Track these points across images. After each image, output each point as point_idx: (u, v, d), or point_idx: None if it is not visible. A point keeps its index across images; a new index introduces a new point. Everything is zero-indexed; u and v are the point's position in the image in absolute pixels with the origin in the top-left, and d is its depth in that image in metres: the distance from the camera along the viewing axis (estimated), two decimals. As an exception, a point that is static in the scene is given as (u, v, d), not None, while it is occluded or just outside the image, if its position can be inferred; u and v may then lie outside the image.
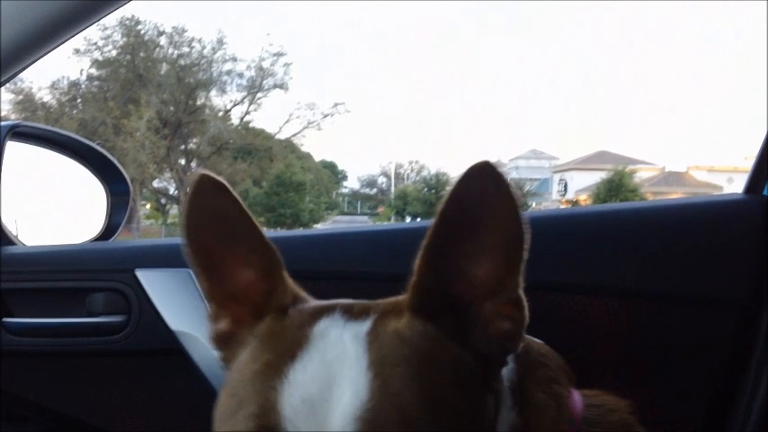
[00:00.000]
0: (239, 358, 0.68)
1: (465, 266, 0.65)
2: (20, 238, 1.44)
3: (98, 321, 1.28)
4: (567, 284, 1.17)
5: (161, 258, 1.25)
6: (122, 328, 1.26)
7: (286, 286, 0.71)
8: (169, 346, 1.21)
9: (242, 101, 26.71)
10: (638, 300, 1.20)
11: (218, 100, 27.42)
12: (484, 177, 0.60)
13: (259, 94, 27.08)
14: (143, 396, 1.28)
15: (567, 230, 1.26)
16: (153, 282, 1.25)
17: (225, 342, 0.73)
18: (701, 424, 1.18)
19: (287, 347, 0.63)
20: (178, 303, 1.20)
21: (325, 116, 27.79)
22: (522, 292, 0.65)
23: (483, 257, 0.64)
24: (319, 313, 0.67)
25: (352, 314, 0.66)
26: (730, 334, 1.17)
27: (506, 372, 0.70)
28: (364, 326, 0.65)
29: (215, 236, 0.71)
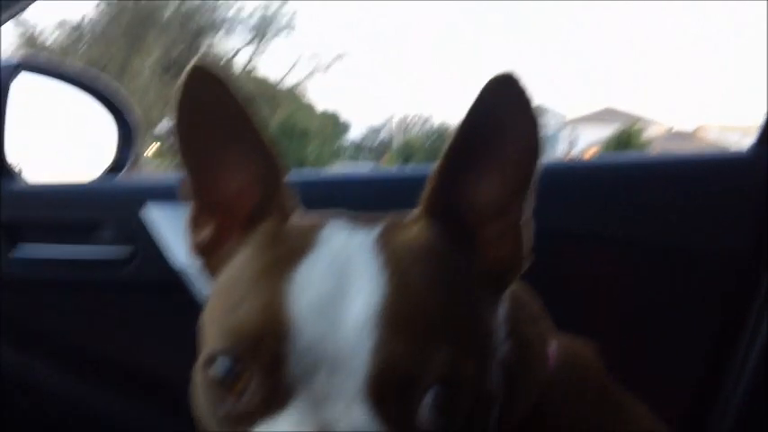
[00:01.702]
0: (232, 264, 0.64)
1: (477, 182, 0.64)
2: (26, 175, 1.45)
3: (105, 254, 1.30)
4: (569, 233, 1.19)
5: (169, 193, 1.26)
6: (129, 262, 1.28)
7: (287, 193, 0.68)
8: (175, 281, 1.22)
9: (247, 44, 26.34)
10: (640, 251, 1.21)
11: (223, 45, 27.04)
12: (505, 89, 0.59)
13: (263, 41, 26.70)
14: (147, 328, 1.31)
15: (572, 181, 1.26)
16: (161, 216, 1.26)
17: (209, 251, 0.69)
18: (698, 379, 1.21)
19: (292, 248, 0.59)
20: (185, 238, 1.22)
21: (329, 66, 27.46)
22: (527, 219, 0.65)
23: (496, 174, 0.64)
24: (325, 218, 0.65)
25: (360, 219, 0.65)
26: (731, 288, 1.18)
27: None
28: (375, 229, 0.63)
29: (208, 135, 0.66)
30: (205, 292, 0.68)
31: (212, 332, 0.60)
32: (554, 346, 0.76)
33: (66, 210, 1.36)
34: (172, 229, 1.24)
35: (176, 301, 1.18)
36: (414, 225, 0.65)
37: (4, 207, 1.34)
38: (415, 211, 0.66)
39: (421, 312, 0.56)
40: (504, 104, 0.60)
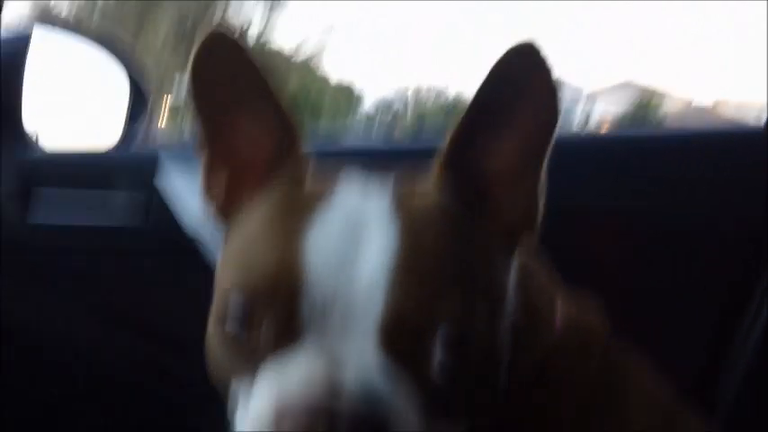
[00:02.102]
0: (247, 219, 0.66)
1: (494, 144, 0.65)
2: (43, 142, 1.47)
3: (120, 220, 1.33)
4: (582, 206, 1.20)
5: (183, 158, 1.27)
6: (143, 228, 1.31)
7: (302, 150, 0.69)
8: (189, 246, 1.24)
9: (260, 15, 26.14)
10: (652, 223, 1.21)
11: (236, 17, 26.83)
12: (525, 57, 0.61)
13: (275, 12, 26.47)
14: (161, 293, 1.34)
15: (586, 153, 1.26)
16: (175, 181, 1.27)
17: (223, 207, 0.71)
18: (703, 351, 1.22)
19: (307, 202, 0.61)
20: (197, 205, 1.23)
21: (342, 38, 27.18)
22: (541, 186, 0.66)
23: (513, 138, 0.65)
24: (340, 174, 0.66)
25: (375, 176, 0.66)
26: (745, 259, 1.19)
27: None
28: (390, 185, 0.65)
29: (224, 91, 0.67)
30: (218, 255, 0.70)
31: (227, 280, 0.61)
32: (561, 311, 0.77)
33: (81, 176, 1.38)
34: (186, 194, 1.26)
35: (190, 266, 1.20)
36: (428, 181, 0.66)
37: (20, 174, 1.36)
38: (431, 170, 0.67)
39: (433, 264, 0.57)
40: (523, 71, 0.61)
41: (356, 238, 0.58)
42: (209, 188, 0.72)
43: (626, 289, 1.17)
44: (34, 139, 1.46)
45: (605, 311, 0.82)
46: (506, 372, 0.65)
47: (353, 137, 1.46)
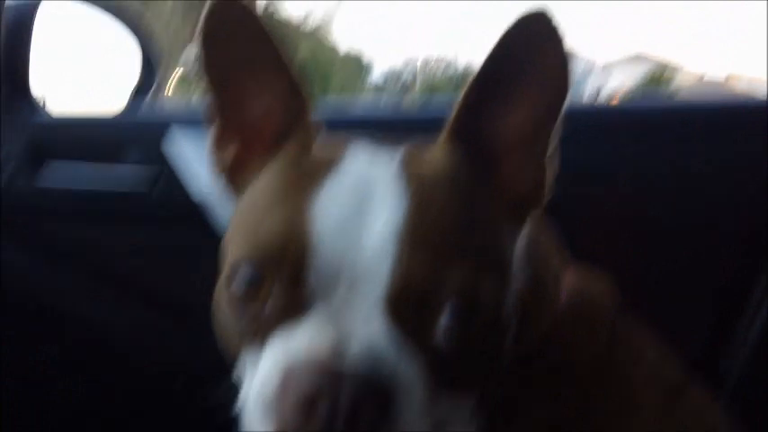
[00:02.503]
0: (256, 184, 0.66)
1: (503, 113, 0.65)
2: (50, 107, 1.47)
3: (128, 185, 1.33)
4: (592, 175, 1.19)
5: (192, 122, 1.27)
6: (151, 192, 1.31)
7: (311, 116, 0.69)
8: (196, 211, 1.25)
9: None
10: (659, 195, 1.21)
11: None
12: (537, 25, 0.60)
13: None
14: (168, 258, 1.35)
15: (595, 124, 1.25)
16: (183, 145, 1.27)
17: (232, 171, 0.71)
18: (711, 323, 1.22)
19: (316, 167, 0.61)
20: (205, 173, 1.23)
21: (351, 8, 26.92)
22: (551, 155, 0.66)
23: (523, 107, 0.64)
24: (349, 141, 0.66)
25: (383, 143, 0.66)
26: (751, 231, 1.18)
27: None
28: (398, 152, 0.65)
29: (234, 56, 0.66)
30: (226, 220, 0.70)
31: (235, 248, 0.61)
32: (568, 283, 0.77)
33: (89, 141, 1.38)
34: (194, 162, 1.26)
35: (196, 233, 1.21)
36: (437, 150, 0.66)
37: (28, 139, 1.36)
38: (439, 137, 0.67)
39: (440, 232, 0.57)
40: (535, 39, 0.60)
41: (364, 207, 0.58)
42: (218, 156, 0.72)
43: (633, 261, 1.17)
44: (42, 104, 1.46)
45: (614, 284, 0.81)
46: (511, 343, 0.65)
47: (362, 107, 1.44)
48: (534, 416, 0.70)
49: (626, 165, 1.21)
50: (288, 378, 0.53)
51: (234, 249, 0.62)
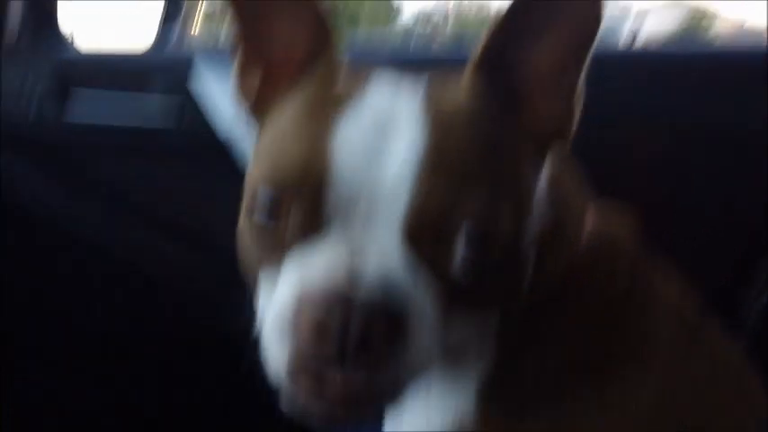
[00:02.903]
0: (278, 114, 0.67)
1: (531, 47, 0.64)
2: (78, 43, 1.47)
3: (154, 121, 1.35)
4: (621, 119, 1.18)
5: (217, 58, 1.28)
6: (177, 129, 1.33)
7: (336, 48, 0.69)
8: (221, 149, 1.26)
9: None
10: (690, 136, 1.19)
11: None
12: None
13: None
14: (193, 192, 1.38)
15: (626, 68, 1.23)
16: (208, 81, 1.28)
17: (256, 101, 0.71)
18: (731, 268, 1.22)
19: (338, 97, 0.61)
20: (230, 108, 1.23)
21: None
22: (579, 90, 0.65)
23: (551, 43, 0.63)
24: (370, 79, 0.66)
25: (404, 81, 0.66)
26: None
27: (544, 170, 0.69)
28: (422, 81, 0.65)
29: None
30: (249, 155, 0.71)
31: (257, 175, 0.62)
32: (590, 223, 0.77)
33: (116, 77, 1.39)
34: (219, 96, 1.26)
35: (222, 167, 1.22)
36: (461, 81, 0.65)
37: (56, 74, 1.37)
38: (465, 68, 0.66)
39: (461, 160, 0.57)
40: None
41: (384, 135, 0.58)
42: (242, 86, 0.73)
43: (657, 204, 1.16)
44: (70, 39, 1.46)
45: (638, 224, 0.81)
46: (528, 279, 0.66)
47: (390, 47, 1.42)
48: (543, 356, 0.71)
49: (661, 110, 1.19)
50: (302, 302, 0.54)
51: (255, 175, 0.63)
